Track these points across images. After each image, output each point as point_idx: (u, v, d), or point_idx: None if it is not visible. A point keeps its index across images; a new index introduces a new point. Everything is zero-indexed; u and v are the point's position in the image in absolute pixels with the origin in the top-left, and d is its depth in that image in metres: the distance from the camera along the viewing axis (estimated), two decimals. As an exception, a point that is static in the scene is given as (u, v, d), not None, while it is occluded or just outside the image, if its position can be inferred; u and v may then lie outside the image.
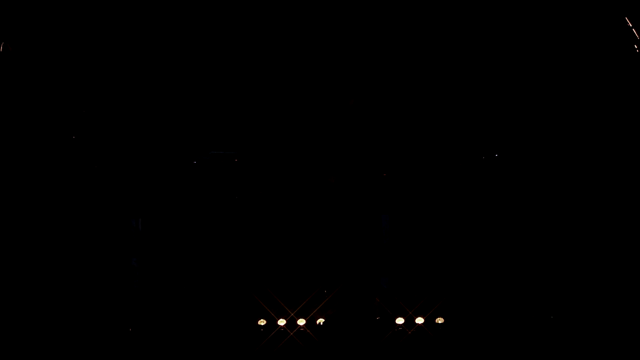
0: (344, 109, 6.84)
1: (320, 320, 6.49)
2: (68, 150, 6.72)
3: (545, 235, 6.69)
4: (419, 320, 6.58)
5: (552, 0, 6.72)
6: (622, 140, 6.63)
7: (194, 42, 6.83)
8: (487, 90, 6.85)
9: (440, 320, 6.59)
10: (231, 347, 6.47)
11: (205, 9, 6.82)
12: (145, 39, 6.77)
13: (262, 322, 6.46)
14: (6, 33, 6.58)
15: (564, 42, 6.74)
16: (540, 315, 6.55)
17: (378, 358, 6.48)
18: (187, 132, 6.78)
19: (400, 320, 6.59)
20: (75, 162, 6.70)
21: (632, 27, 6.35)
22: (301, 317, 6.56)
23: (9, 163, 6.61)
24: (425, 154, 6.86)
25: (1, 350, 6.31)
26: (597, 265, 6.55)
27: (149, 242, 6.60)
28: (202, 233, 6.66)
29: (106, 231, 6.63)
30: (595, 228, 6.60)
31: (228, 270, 6.66)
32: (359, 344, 6.46)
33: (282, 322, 6.51)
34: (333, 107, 6.88)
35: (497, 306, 6.63)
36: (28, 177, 6.64)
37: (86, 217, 6.62)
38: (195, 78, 6.85)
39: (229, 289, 6.63)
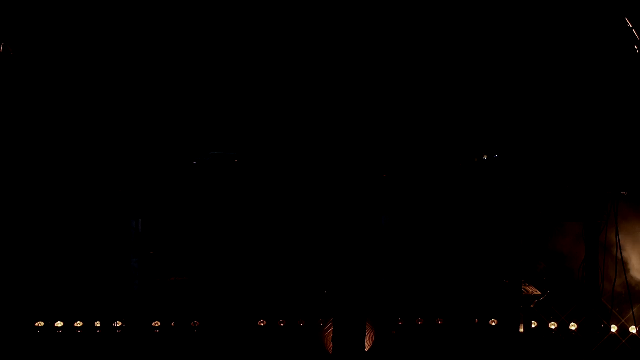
0: (345, 110, 6.85)
1: None
2: (68, 150, 6.72)
3: (545, 235, 6.69)
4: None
5: (552, 0, 6.71)
6: (622, 141, 6.62)
7: (194, 42, 6.83)
8: (487, 90, 6.84)
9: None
10: (231, 348, 6.47)
11: (205, 9, 6.81)
12: (145, 39, 6.77)
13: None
14: (6, 33, 6.57)
15: (564, 42, 6.73)
16: (541, 317, 6.57)
17: None
18: (187, 133, 6.78)
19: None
20: (75, 162, 6.70)
21: (632, 28, 6.34)
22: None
23: (9, 163, 6.61)
24: (425, 154, 6.86)
25: (1, 351, 6.33)
26: (599, 266, 6.54)
27: (148, 244, 6.60)
28: (202, 234, 6.66)
29: (106, 232, 6.64)
30: (596, 228, 6.58)
31: (228, 271, 6.67)
32: None
33: None
34: (333, 107, 6.87)
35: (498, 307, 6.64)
36: (28, 177, 6.64)
37: (86, 218, 6.63)
38: (196, 78, 6.85)
39: (229, 289, 6.64)
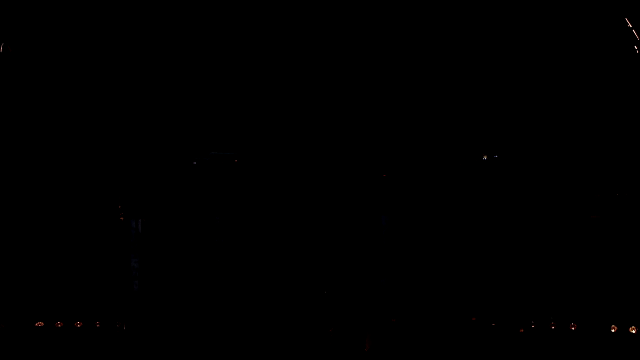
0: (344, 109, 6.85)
1: None
2: (68, 150, 6.72)
3: (545, 235, 6.69)
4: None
5: (552, 0, 6.71)
6: (622, 141, 6.62)
7: (194, 42, 6.83)
8: (487, 90, 6.84)
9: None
10: (231, 347, 6.48)
11: (205, 9, 6.81)
12: (145, 38, 6.77)
13: None
14: (6, 33, 6.57)
15: (564, 42, 6.73)
16: (541, 317, 6.56)
17: None
18: (187, 132, 6.78)
19: None
20: (75, 163, 6.70)
21: (632, 28, 6.34)
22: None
23: (9, 163, 6.61)
24: (425, 154, 6.86)
25: (1, 351, 6.33)
26: (599, 267, 6.55)
27: (148, 244, 6.61)
28: (201, 234, 6.66)
29: (106, 232, 6.64)
30: (596, 229, 6.59)
31: (228, 271, 6.67)
32: None
33: None
34: (333, 107, 6.87)
35: (498, 307, 6.64)
36: (28, 177, 6.64)
37: (86, 218, 6.63)
38: (195, 78, 6.84)
39: (229, 289, 6.64)
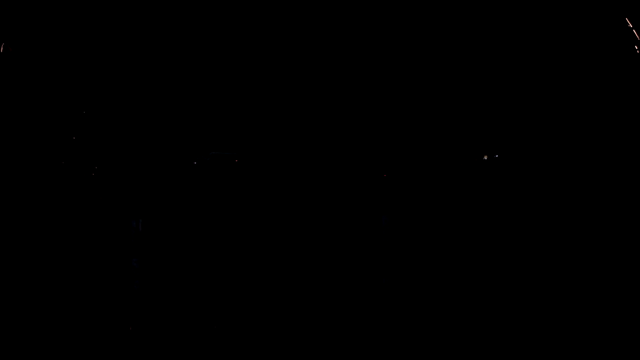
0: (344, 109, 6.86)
1: None
2: (68, 151, 6.72)
3: (545, 235, 6.69)
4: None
5: (552, 0, 6.72)
6: (622, 140, 6.63)
7: (194, 42, 6.83)
8: (487, 90, 6.85)
9: None
10: (231, 347, 6.48)
11: (205, 9, 6.82)
12: (145, 39, 6.77)
13: None
14: (6, 33, 6.58)
15: (564, 42, 6.74)
16: (540, 316, 6.57)
17: None
18: (187, 132, 6.79)
19: None
20: (76, 163, 6.71)
21: (632, 28, 6.35)
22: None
23: (9, 163, 6.61)
24: (425, 155, 6.86)
25: (2, 351, 6.33)
26: (598, 266, 6.55)
27: (149, 243, 6.62)
28: (202, 234, 6.67)
29: (107, 232, 6.65)
30: (596, 229, 6.60)
31: (228, 271, 6.68)
32: None
33: None
34: (334, 108, 6.88)
35: (498, 307, 6.65)
36: (28, 178, 6.65)
37: (87, 218, 6.64)
38: (195, 78, 6.85)
39: (229, 288, 6.65)
